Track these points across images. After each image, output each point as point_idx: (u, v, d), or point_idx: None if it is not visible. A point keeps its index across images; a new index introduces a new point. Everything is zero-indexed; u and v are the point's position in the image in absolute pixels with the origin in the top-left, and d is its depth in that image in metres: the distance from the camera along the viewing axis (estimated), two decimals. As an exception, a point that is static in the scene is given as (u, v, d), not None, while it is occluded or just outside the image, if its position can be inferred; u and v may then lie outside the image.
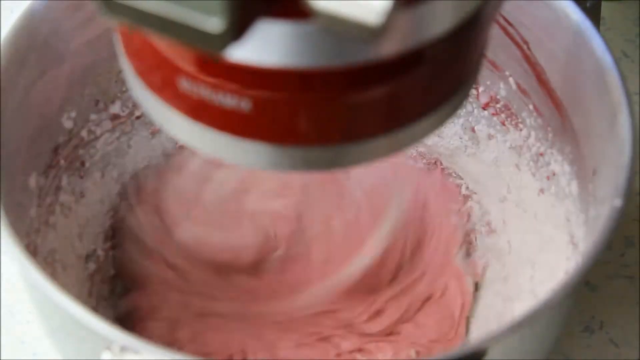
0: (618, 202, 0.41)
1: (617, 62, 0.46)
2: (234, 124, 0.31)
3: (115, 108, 0.56)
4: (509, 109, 0.56)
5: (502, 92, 0.56)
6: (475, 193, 0.59)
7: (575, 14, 0.48)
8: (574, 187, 0.49)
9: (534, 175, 0.54)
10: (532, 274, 0.52)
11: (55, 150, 0.52)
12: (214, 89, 0.30)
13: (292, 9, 0.26)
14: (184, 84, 0.30)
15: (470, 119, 0.58)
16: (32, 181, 0.50)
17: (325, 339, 0.54)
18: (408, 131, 0.32)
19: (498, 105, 0.56)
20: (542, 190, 0.53)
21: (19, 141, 0.48)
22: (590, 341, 0.55)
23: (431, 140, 0.60)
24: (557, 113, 0.51)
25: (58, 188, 0.53)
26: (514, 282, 0.54)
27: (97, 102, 0.55)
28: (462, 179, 0.59)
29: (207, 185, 0.56)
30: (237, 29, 0.25)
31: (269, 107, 0.30)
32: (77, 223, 0.55)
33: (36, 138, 0.50)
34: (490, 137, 0.57)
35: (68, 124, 0.53)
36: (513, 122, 0.55)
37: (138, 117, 0.58)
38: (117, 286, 0.55)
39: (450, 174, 0.60)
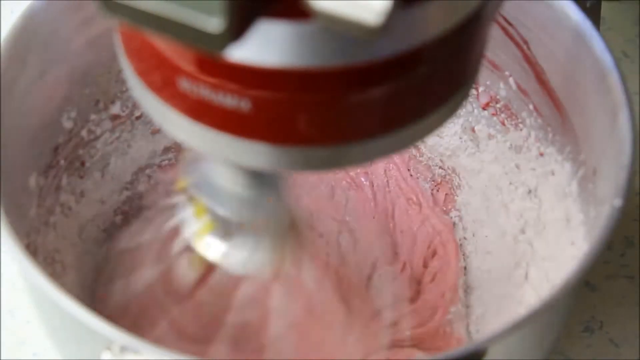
0: (618, 202, 0.41)
1: (617, 62, 0.46)
2: (234, 124, 0.31)
3: (115, 108, 0.56)
4: (509, 109, 0.56)
5: (502, 92, 0.56)
6: (475, 193, 0.59)
7: (575, 14, 0.48)
8: (574, 187, 0.49)
9: (534, 175, 0.54)
10: (532, 274, 0.52)
11: (55, 150, 0.52)
12: (214, 89, 0.30)
13: (292, 9, 0.26)
14: (184, 84, 0.30)
15: (470, 119, 0.58)
16: (32, 181, 0.50)
17: None
18: (408, 131, 0.32)
19: (498, 105, 0.56)
20: (541, 190, 0.53)
21: (19, 141, 0.48)
22: (590, 341, 0.55)
23: (431, 140, 0.60)
24: (557, 113, 0.51)
25: (58, 188, 0.53)
26: (513, 282, 0.54)
27: (97, 102, 0.55)
28: (462, 178, 0.59)
29: None
30: (237, 29, 0.25)
31: (269, 107, 0.30)
32: (77, 223, 0.55)
33: (36, 138, 0.50)
34: (490, 137, 0.57)
35: (68, 124, 0.53)
36: (513, 122, 0.55)
37: (138, 117, 0.58)
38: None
39: (449, 176, 0.60)
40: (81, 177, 0.55)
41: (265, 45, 0.28)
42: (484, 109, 0.57)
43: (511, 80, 0.54)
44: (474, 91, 0.57)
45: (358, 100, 0.30)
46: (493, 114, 0.57)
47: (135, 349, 0.36)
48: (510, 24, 0.52)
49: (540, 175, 0.53)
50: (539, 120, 0.53)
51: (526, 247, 0.54)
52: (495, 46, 0.53)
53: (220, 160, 0.37)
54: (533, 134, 0.54)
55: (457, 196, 0.60)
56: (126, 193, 0.58)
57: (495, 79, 0.55)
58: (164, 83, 0.31)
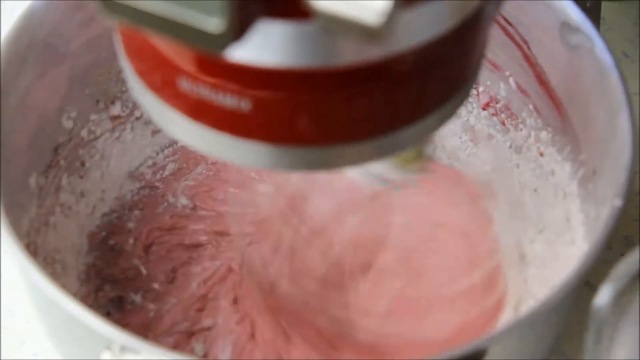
0: (618, 202, 0.41)
1: (617, 62, 0.46)
2: (234, 124, 0.31)
3: (115, 108, 0.56)
4: (509, 109, 0.56)
5: (502, 92, 0.56)
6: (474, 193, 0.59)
7: (575, 14, 0.48)
8: (574, 187, 0.49)
9: (534, 175, 0.54)
10: (532, 274, 0.52)
11: (55, 150, 0.52)
12: (214, 89, 0.30)
13: (292, 9, 0.26)
14: (184, 84, 0.30)
15: (470, 119, 0.58)
16: (32, 181, 0.50)
17: None
18: (408, 131, 0.32)
19: (498, 105, 0.56)
20: (541, 190, 0.53)
21: (19, 141, 0.48)
22: (590, 341, 0.55)
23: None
24: (557, 113, 0.51)
25: (58, 188, 0.53)
26: (514, 282, 0.54)
27: (97, 102, 0.55)
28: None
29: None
30: (237, 29, 0.25)
31: (269, 107, 0.30)
32: (77, 223, 0.55)
33: (36, 138, 0.50)
34: (490, 137, 0.57)
35: (68, 124, 0.53)
36: (513, 122, 0.55)
37: (138, 117, 0.58)
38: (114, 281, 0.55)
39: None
40: (81, 177, 0.55)
41: (265, 45, 0.28)
42: (484, 109, 0.57)
43: (511, 80, 0.54)
44: (474, 91, 0.57)
45: (357, 100, 0.30)
46: (493, 114, 0.57)
47: (135, 349, 0.36)
48: (510, 24, 0.52)
49: (540, 175, 0.53)
50: (539, 120, 0.53)
51: (526, 247, 0.54)
52: (495, 46, 0.53)
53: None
54: (533, 134, 0.54)
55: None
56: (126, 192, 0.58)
57: (495, 79, 0.55)
58: (164, 83, 0.31)
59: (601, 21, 0.56)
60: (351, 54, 0.29)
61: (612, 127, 0.45)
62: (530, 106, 0.53)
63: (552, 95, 0.51)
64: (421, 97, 0.32)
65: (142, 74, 0.32)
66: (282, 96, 0.29)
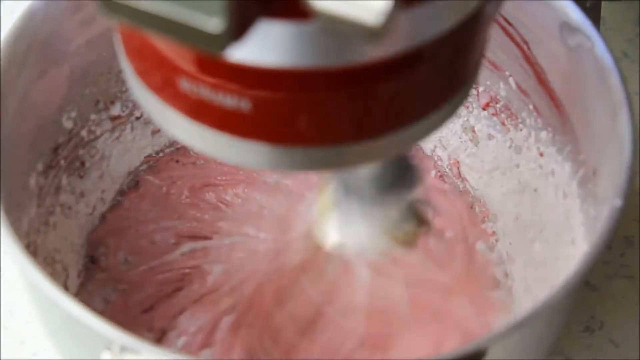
0: (618, 202, 0.41)
1: (617, 62, 0.46)
2: (234, 124, 0.31)
3: (115, 108, 0.56)
4: (509, 109, 0.56)
5: (502, 92, 0.56)
6: (475, 193, 0.59)
7: (575, 14, 0.48)
8: (574, 187, 0.49)
9: (534, 175, 0.54)
10: (532, 274, 0.52)
11: (55, 150, 0.52)
12: (214, 89, 0.30)
13: (292, 9, 0.26)
14: (184, 84, 0.30)
15: (470, 119, 0.58)
16: (32, 181, 0.50)
17: None
18: (408, 131, 0.32)
19: (498, 105, 0.56)
20: (541, 190, 0.53)
21: (19, 141, 0.48)
22: (590, 341, 0.55)
23: (431, 140, 0.60)
24: (557, 113, 0.51)
25: (58, 188, 0.53)
26: (513, 282, 0.54)
27: (97, 102, 0.55)
28: (462, 179, 0.59)
29: None
30: (237, 29, 0.25)
31: (269, 107, 0.30)
32: (77, 223, 0.55)
33: (36, 138, 0.50)
34: (490, 137, 0.57)
35: (68, 124, 0.53)
36: (513, 122, 0.55)
37: (138, 117, 0.58)
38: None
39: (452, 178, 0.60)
40: (81, 177, 0.55)
41: (265, 45, 0.28)
42: (484, 109, 0.57)
43: (511, 80, 0.54)
44: (474, 91, 0.57)
45: (358, 100, 0.30)
46: (493, 114, 0.57)
47: (135, 349, 0.36)
48: (510, 24, 0.52)
49: (540, 175, 0.53)
50: (539, 120, 0.53)
51: (526, 247, 0.54)
52: (495, 46, 0.53)
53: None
54: (533, 134, 0.54)
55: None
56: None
57: (495, 79, 0.55)
58: (164, 83, 0.31)
59: (601, 21, 0.56)
60: (351, 54, 0.29)
61: (612, 127, 0.45)
62: (530, 106, 0.53)
63: (552, 95, 0.51)
64: (421, 97, 0.32)
65: (142, 74, 0.32)
66: (282, 96, 0.29)
